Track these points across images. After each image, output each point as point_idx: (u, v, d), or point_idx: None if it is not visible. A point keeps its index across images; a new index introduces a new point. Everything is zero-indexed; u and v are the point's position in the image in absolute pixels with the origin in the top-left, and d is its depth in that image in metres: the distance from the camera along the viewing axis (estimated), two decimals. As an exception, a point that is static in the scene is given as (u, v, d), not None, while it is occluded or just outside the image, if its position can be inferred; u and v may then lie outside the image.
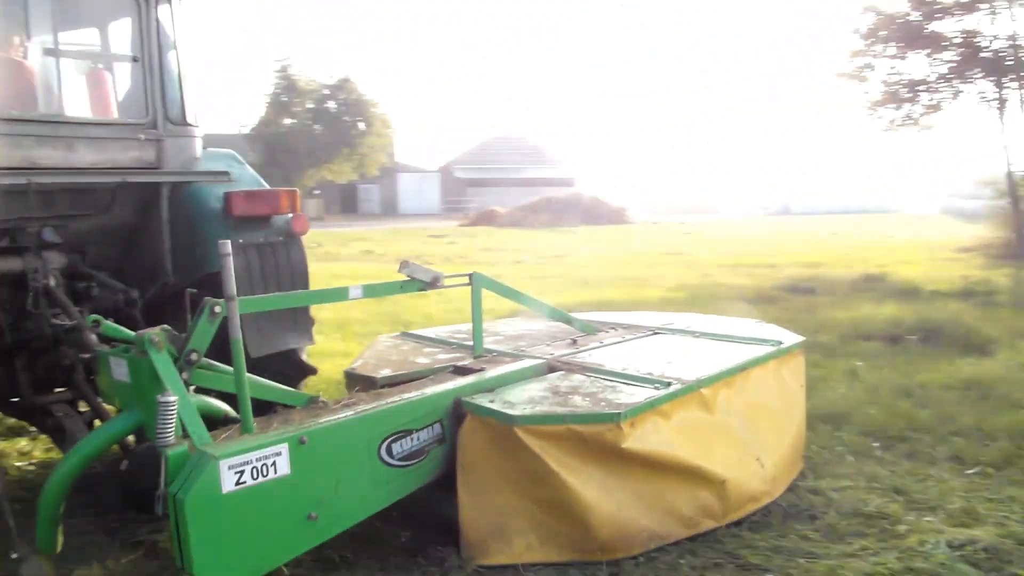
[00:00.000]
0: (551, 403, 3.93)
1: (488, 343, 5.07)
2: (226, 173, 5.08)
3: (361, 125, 38.72)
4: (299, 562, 3.61)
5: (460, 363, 4.67)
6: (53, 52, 4.81)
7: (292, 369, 5.00)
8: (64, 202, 4.61)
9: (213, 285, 3.79)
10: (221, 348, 3.42)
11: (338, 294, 4.31)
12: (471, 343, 4.94)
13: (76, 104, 5.15)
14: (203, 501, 3.04)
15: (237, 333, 3.29)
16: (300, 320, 5.01)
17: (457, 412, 3.93)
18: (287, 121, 39.22)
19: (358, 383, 4.65)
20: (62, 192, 4.57)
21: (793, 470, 4.79)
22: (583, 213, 43.27)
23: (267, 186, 5.19)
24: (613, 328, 5.63)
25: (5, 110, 4.38)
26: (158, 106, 4.86)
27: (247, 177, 5.19)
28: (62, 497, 3.50)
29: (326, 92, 38.86)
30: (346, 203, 68.92)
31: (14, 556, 3.56)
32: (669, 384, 4.08)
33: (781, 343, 4.95)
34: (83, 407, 4.59)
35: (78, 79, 5.29)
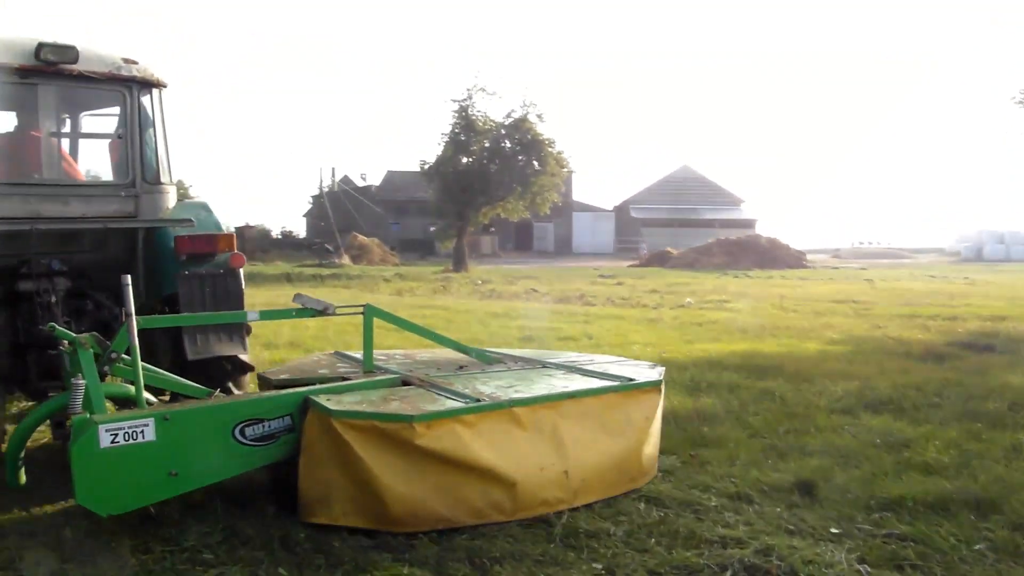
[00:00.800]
0: (371, 405, 4.96)
1: (391, 364, 6.27)
2: (189, 220, 6.32)
3: (535, 164, 38.92)
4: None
5: (345, 374, 5.98)
6: (55, 132, 6.72)
7: (233, 369, 6.19)
8: (67, 242, 6.15)
9: (172, 303, 6.15)
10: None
11: (238, 316, 5.95)
12: (384, 364, 6.25)
13: (72, 169, 6.92)
14: (85, 452, 4.29)
15: (134, 339, 4.77)
16: (233, 333, 6.15)
17: (304, 407, 4.91)
18: (464, 159, 39.92)
19: (262, 383, 6.15)
20: (63, 235, 6.09)
21: (613, 489, 5.28)
22: (759, 256, 42.01)
23: (225, 231, 6.46)
24: (513, 361, 6.58)
25: (15, 176, 6.15)
26: (137, 170, 6.36)
27: (209, 223, 6.46)
28: (22, 446, 5.05)
29: (502, 132, 39.35)
30: (521, 240, 69.80)
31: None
32: (479, 400, 4.97)
33: (632, 380, 5.69)
34: None
35: (75, 150, 7.27)
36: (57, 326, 4.88)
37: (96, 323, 5.96)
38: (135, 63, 6.36)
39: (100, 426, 4.31)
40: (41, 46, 5.83)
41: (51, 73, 5.95)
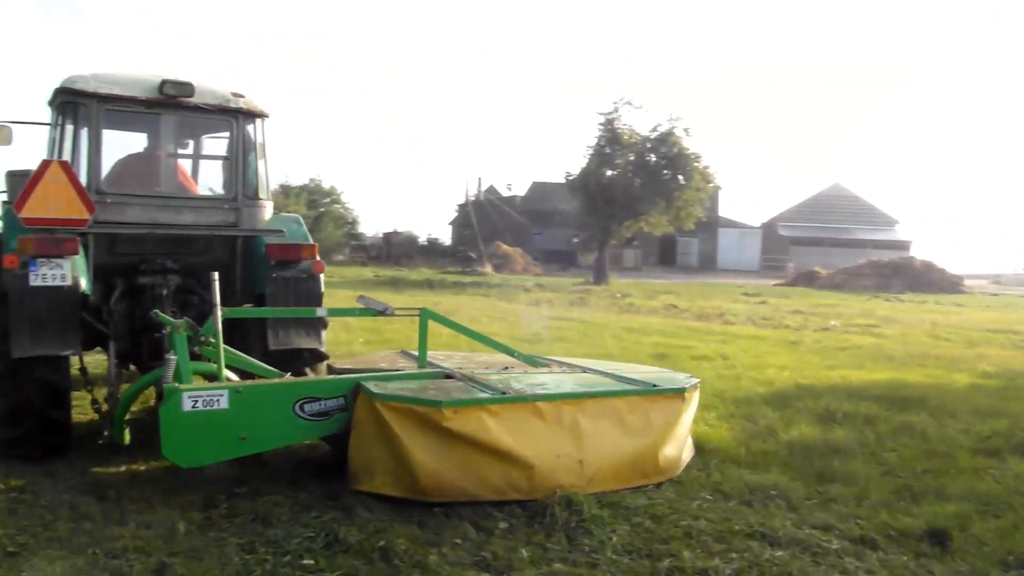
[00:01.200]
0: (410, 391, 5.62)
1: (445, 362, 7.01)
2: (281, 231, 7.38)
3: (680, 178, 38.35)
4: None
5: (401, 368, 6.83)
6: (173, 153, 7.97)
7: (310, 358, 7.13)
8: (179, 245, 7.25)
9: (262, 300, 7.14)
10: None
11: (308, 312, 6.91)
12: (438, 361, 7.09)
13: (187, 184, 8.03)
14: (170, 413, 5.14)
15: (218, 326, 5.82)
16: (310, 328, 7.09)
17: (355, 391, 5.65)
18: (608, 172, 39.72)
19: (329, 371, 7.10)
20: (176, 239, 7.20)
21: (626, 482, 5.79)
22: (912, 279, 40.22)
23: (311, 242, 7.47)
24: (559, 365, 7.29)
25: (140, 188, 7.33)
26: (239, 187, 7.44)
27: (298, 234, 7.50)
28: (127, 410, 6.23)
29: (648, 145, 38.96)
30: (664, 255, 69.05)
31: (100, 442, 6.29)
32: (505, 393, 5.63)
33: (654, 386, 6.24)
34: None
35: (196, 169, 8.55)
36: (160, 313, 6.06)
37: (199, 314, 6.75)
38: (241, 96, 7.47)
39: (183, 393, 5.16)
40: (164, 82, 7.01)
41: (171, 105, 7.15)
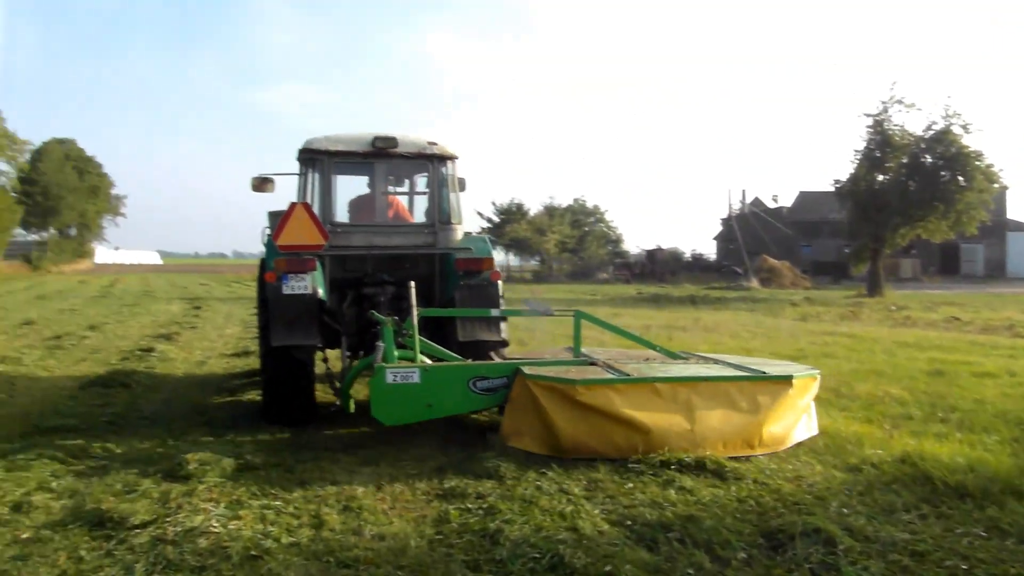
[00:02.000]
0: (555, 373, 7.30)
1: (596, 355, 8.53)
2: (468, 248, 9.25)
3: (960, 180, 35.59)
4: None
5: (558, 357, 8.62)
6: (385, 191, 10.00)
7: (491, 347, 8.77)
8: (392, 262, 9.27)
9: (453, 303, 8.96)
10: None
11: (483, 312, 8.71)
12: (593, 354, 8.63)
13: (400, 214, 10.17)
14: (377, 384, 7.16)
15: (415, 322, 7.81)
16: (491, 324, 8.83)
17: (515, 372, 7.31)
18: (879, 177, 37.61)
19: (502, 358, 8.76)
20: (390, 258, 9.27)
21: (731, 449, 6.89)
22: None
23: (492, 257, 9.24)
24: (697, 358, 8.77)
25: (362, 220, 9.58)
26: (436, 216, 9.43)
27: (483, 250, 9.30)
28: (351, 384, 8.23)
29: (922, 146, 36.50)
30: (946, 263, 64.37)
31: (332, 409, 8.55)
32: (629, 375, 7.26)
33: (764, 374, 7.48)
34: None
35: (407, 201, 10.66)
36: (376, 313, 8.23)
37: (408, 315, 8.16)
38: (435, 144, 9.39)
39: (387, 370, 7.19)
40: (375, 138, 9.14)
41: (382, 155, 9.27)
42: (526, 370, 7.24)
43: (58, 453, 6.87)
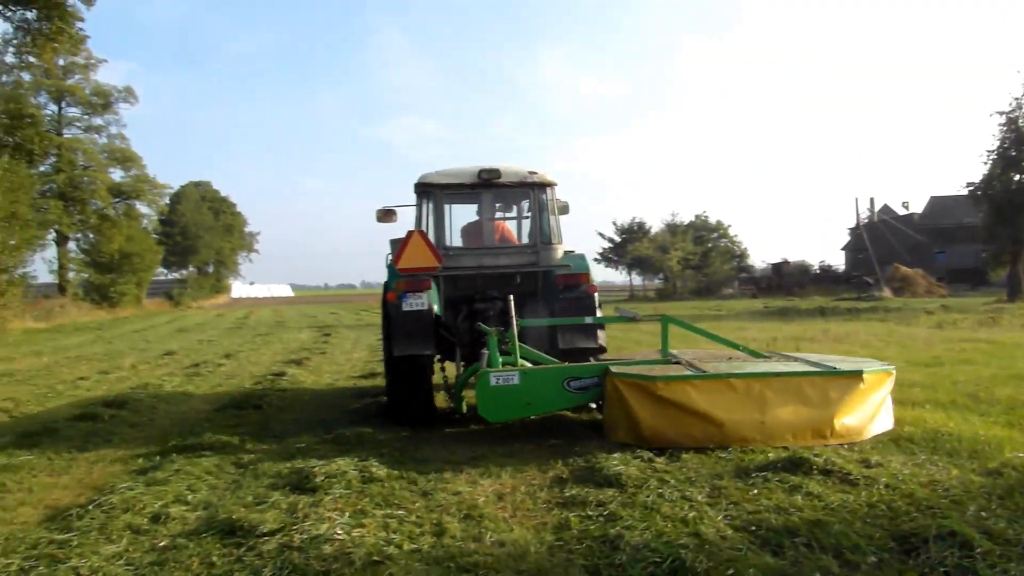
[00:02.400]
0: (640, 371, 7.93)
1: (682, 356, 9.24)
2: (567, 265, 10.16)
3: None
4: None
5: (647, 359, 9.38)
6: (491, 217, 10.87)
7: (592, 352, 9.46)
8: (500, 280, 10.19)
9: (554, 315, 9.78)
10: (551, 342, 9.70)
11: (578, 320, 9.49)
12: (680, 355, 9.33)
13: (507, 236, 11.09)
14: (483, 387, 8.00)
15: (515, 331, 8.74)
16: (589, 332, 9.58)
17: (605, 372, 8.08)
18: (1016, 177, 35.96)
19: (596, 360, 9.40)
20: (497, 276, 10.21)
21: (801, 440, 7.39)
22: None
23: (588, 272, 10.11)
24: (779, 356, 9.23)
25: (472, 244, 10.63)
26: (537, 236, 10.35)
27: (582, 266, 10.19)
28: (463, 388, 9.25)
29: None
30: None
31: (457, 416, 9.37)
32: (704, 372, 7.76)
33: (834, 369, 7.82)
34: None
35: (515, 225, 11.43)
36: (483, 325, 9.15)
37: (511, 326, 9.00)
38: (535, 173, 10.34)
39: (491, 374, 8.06)
40: (481, 171, 10.12)
41: (487, 185, 10.25)
42: (614, 369, 8.04)
43: (194, 469, 7.20)
